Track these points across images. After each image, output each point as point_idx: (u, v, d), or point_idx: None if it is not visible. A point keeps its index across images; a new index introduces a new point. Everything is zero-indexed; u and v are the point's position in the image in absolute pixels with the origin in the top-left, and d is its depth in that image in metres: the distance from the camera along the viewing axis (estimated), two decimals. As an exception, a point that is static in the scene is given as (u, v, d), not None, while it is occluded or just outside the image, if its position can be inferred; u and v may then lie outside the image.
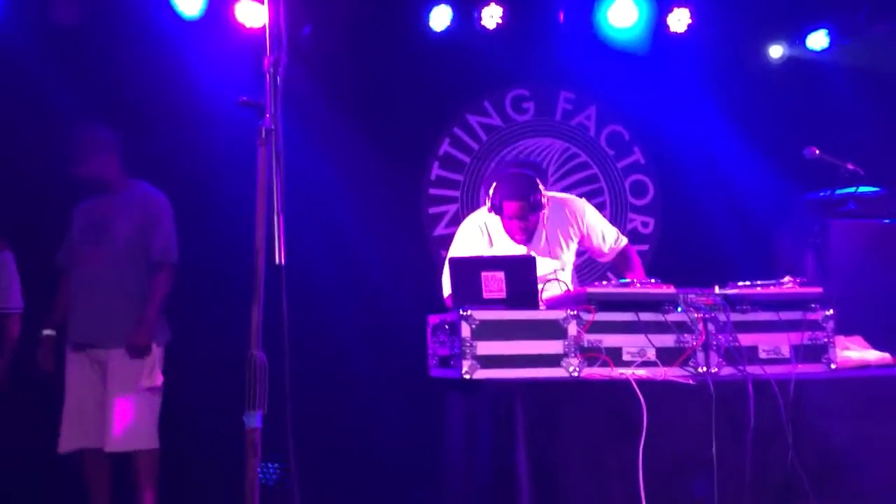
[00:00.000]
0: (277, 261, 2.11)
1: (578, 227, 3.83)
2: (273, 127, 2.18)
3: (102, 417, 3.97)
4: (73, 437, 4.01)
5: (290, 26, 2.29)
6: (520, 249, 3.73)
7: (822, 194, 4.37)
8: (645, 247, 5.75)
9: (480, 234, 3.79)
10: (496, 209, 3.66)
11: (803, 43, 5.81)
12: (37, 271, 4.45)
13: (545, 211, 3.70)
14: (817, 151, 4.11)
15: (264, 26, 4.98)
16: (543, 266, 3.49)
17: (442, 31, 5.39)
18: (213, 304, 4.38)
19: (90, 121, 4.24)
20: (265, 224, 2.09)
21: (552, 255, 3.73)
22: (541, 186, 3.63)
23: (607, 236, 3.87)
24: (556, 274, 3.68)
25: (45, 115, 4.72)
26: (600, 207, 5.70)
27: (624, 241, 3.92)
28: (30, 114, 4.75)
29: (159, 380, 4.04)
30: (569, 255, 3.84)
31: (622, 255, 3.93)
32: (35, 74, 4.75)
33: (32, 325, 4.37)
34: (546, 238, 3.73)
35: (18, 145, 4.67)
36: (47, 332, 4.11)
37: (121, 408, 3.96)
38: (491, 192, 3.66)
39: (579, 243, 3.88)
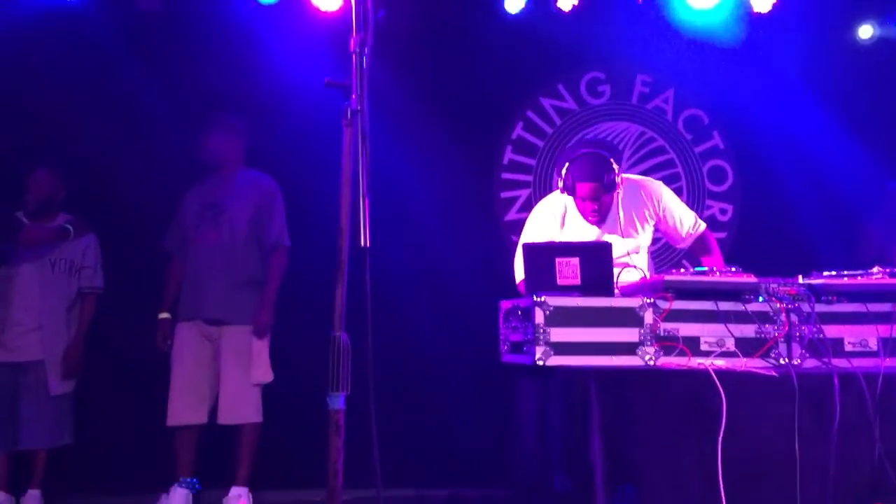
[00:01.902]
0: (362, 243, 2.10)
1: (654, 210, 3.74)
2: (359, 108, 2.16)
3: (210, 394, 4.21)
4: (184, 412, 4.19)
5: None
6: (592, 231, 3.67)
7: (915, 181, 4.19)
8: (723, 234, 5.61)
9: (552, 218, 3.74)
10: (569, 190, 3.60)
11: (894, 23, 5.55)
12: (116, 255, 4.60)
13: (619, 191, 3.63)
14: (910, 136, 3.93)
15: (341, 9, 5.07)
16: (617, 247, 3.43)
17: (517, 14, 5.33)
18: (297, 286, 4.45)
19: (210, 109, 4.52)
20: (350, 206, 2.08)
21: (626, 235, 3.66)
22: (615, 166, 3.55)
23: (685, 220, 3.77)
24: (629, 257, 3.61)
25: (129, 102, 4.85)
26: (677, 193, 5.52)
27: (702, 226, 3.82)
28: (113, 101, 4.88)
29: (269, 373, 4.25)
30: (644, 238, 3.75)
31: (700, 240, 3.82)
32: (119, 61, 4.88)
33: (111, 306, 4.53)
34: (620, 219, 3.67)
35: (102, 131, 4.80)
36: (163, 315, 4.35)
37: (235, 383, 4.17)
38: (563, 172, 3.60)
39: (655, 227, 3.80)
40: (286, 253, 4.35)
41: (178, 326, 4.30)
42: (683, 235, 3.79)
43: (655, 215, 3.75)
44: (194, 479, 4.14)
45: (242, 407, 4.19)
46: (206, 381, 4.23)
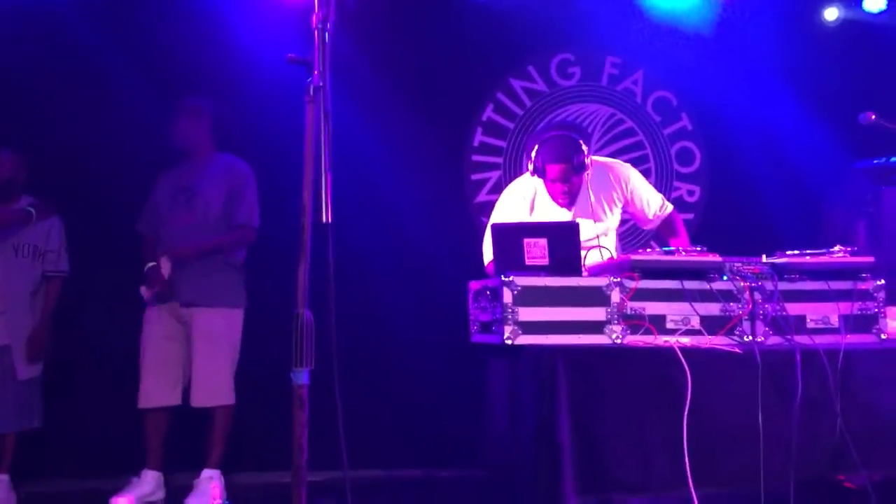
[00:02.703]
0: (325, 219, 2.11)
1: (622, 192, 3.78)
2: (322, 84, 2.17)
3: (182, 375, 4.21)
4: (156, 393, 4.18)
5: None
6: (562, 213, 3.70)
7: (876, 161, 4.26)
8: (690, 215, 5.66)
9: (522, 201, 3.76)
10: (539, 172, 3.63)
11: (860, 5, 5.62)
12: (85, 238, 4.55)
13: (588, 173, 3.65)
14: (873, 117, 3.99)
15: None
16: (586, 230, 3.48)
17: (487, -6, 5.32)
18: (261, 263, 4.44)
19: (191, 91, 4.46)
20: (312, 182, 2.09)
21: (595, 218, 3.70)
22: (584, 148, 3.59)
23: (652, 202, 3.82)
24: (598, 239, 3.64)
25: (94, 81, 4.78)
26: (645, 175, 5.54)
27: (669, 207, 3.87)
28: (79, 79, 4.80)
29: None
30: (612, 220, 3.80)
31: (667, 222, 3.87)
32: (84, 40, 4.80)
33: (81, 289, 4.49)
34: (589, 202, 3.70)
35: (68, 112, 4.73)
36: (150, 264, 4.26)
37: (206, 365, 4.17)
38: (533, 154, 3.62)
39: (623, 208, 3.84)
40: (253, 233, 4.34)
41: (148, 309, 4.27)
42: (651, 217, 3.84)
43: (623, 197, 3.79)
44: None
45: (215, 389, 4.18)
46: (179, 362, 4.22)
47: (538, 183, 3.72)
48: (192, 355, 4.19)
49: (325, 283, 2.12)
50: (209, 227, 4.26)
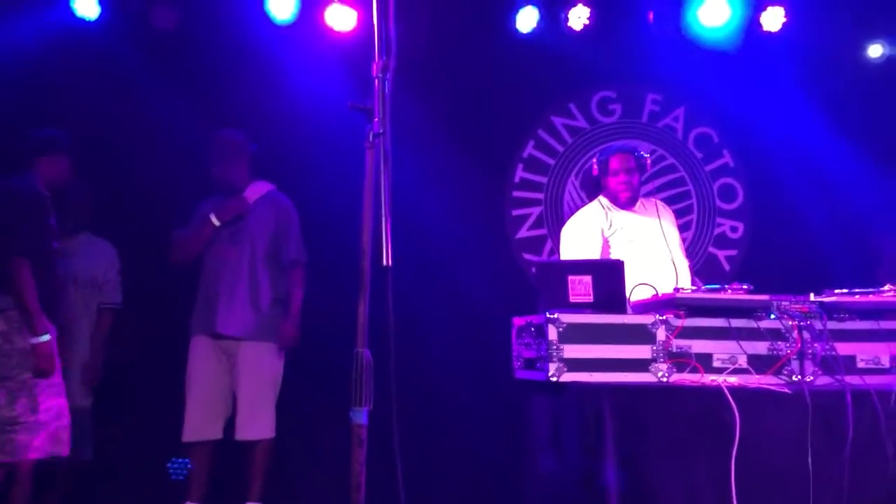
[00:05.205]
0: (384, 262, 2.14)
1: (670, 224, 3.98)
2: (382, 131, 2.22)
3: (225, 409, 4.22)
4: (199, 428, 4.20)
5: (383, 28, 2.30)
6: (630, 218, 3.87)
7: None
8: (733, 252, 5.63)
9: (595, 218, 3.91)
10: (601, 166, 3.89)
11: (904, 42, 5.59)
12: (136, 269, 4.65)
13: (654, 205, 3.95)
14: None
15: (355, 30, 5.10)
16: (652, 231, 3.81)
17: (528, 33, 5.37)
18: (319, 303, 4.48)
19: (227, 126, 4.49)
20: (372, 226, 2.13)
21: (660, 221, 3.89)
22: (646, 155, 3.94)
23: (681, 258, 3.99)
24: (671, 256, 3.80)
25: (144, 117, 4.90)
26: (687, 211, 5.63)
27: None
28: (129, 116, 4.93)
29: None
30: (674, 237, 3.94)
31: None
32: (134, 77, 4.94)
33: (132, 322, 4.57)
34: (650, 204, 3.98)
35: (119, 148, 4.86)
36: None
37: (250, 399, 4.18)
38: (596, 158, 3.95)
39: None
40: (304, 268, 4.38)
41: (193, 340, 4.29)
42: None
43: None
44: None
45: (259, 422, 4.19)
46: (222, 396, 4.23)
47: (604, 203, 3.92)
48: (238, 388, 4.20)
49: (380, 324, 2.14)
50: (257, 263, 4.28)
